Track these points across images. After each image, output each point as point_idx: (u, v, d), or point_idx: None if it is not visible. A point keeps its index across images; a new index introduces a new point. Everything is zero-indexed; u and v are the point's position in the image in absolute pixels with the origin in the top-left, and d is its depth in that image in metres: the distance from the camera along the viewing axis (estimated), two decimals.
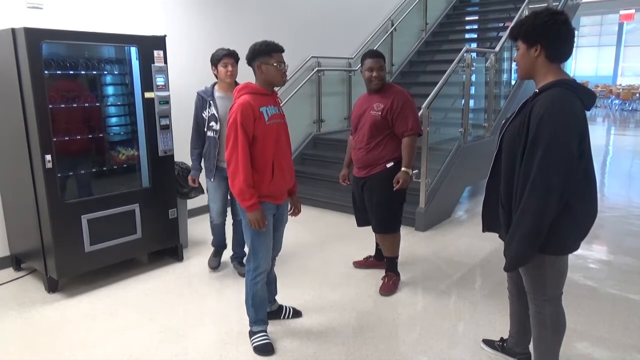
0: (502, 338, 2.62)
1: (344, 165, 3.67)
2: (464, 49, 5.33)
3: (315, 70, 6.50)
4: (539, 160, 1.86)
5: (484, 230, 2.32)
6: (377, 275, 3.68)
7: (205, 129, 3.52)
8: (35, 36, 3.06)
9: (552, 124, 1.84)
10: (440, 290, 3.44)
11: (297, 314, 3.07)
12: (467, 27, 8.86)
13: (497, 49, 5.74)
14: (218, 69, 3.46)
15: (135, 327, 2.97)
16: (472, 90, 5.52)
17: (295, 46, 6.13)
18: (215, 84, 3.57)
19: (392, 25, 7.60)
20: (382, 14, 7.68)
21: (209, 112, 3.47)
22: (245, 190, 2.45)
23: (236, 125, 2.44)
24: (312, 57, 6.44)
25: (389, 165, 3.27)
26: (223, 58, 3.42)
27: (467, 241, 4.43)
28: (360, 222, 3.63)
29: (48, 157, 3.16)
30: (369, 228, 3.52)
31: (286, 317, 3.03)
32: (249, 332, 2.77)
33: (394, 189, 3.22)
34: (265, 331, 2.75)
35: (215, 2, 5.21)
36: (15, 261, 3.83)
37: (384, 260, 3.56)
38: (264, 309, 2.78)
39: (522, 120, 1.96)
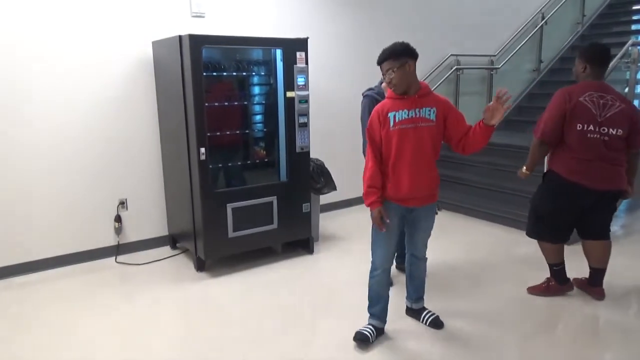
0: None
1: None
2: (630, 42, 4.70)
3: (454, 68, 6.26)
4: None
5: None
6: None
7: None
8: (197, 41, 3.40)
9: None
10: None
11: (436, 325, 2.90)
12: (635, 18, 7.77)
13: None
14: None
15: (266, 311, 3.17)
16: (638, 89, 4.85)
17: (434, 44, 5.97)
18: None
19: (543, 19, 7.00)
20: (532, 7, 7.10)
21: None
22: (366, 190, 2.60)
23: (367, 129, 2.64)
24: (452, 55, 6.22)
25: None
26: None
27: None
28: (564, 238, 3.25)
29: (202, 150, 3.50)
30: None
31: (424, 322, 2.95)
32: None
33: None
34: (374, 325, 2.78)
35: (355, 3, 5.29)
36: (172, 240, 4.34)
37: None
38: (378, 306, 2.79)
39: None
